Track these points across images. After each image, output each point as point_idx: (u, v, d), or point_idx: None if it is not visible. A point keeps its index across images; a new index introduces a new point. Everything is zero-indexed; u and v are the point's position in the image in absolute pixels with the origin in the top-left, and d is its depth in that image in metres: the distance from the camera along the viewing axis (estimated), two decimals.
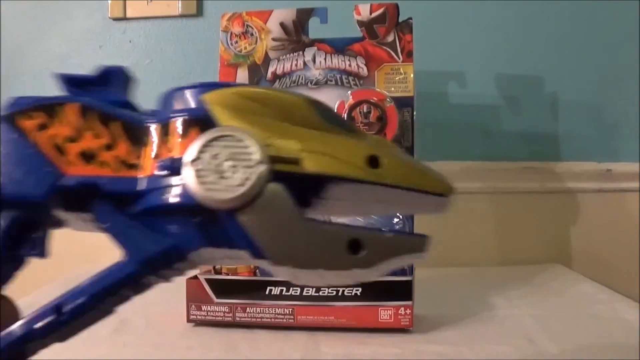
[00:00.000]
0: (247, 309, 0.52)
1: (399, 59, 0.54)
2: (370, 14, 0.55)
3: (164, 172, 0.23)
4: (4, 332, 0.23)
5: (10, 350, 0.23)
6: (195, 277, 0.53)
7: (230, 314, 0.52)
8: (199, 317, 0.52)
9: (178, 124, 0.23)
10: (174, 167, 0.22)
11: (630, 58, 0.80)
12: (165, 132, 0.24)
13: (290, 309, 0.51)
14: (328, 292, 0.51)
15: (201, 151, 0.22)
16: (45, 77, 1.01)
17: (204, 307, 0.52)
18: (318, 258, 0.21)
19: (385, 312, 0.50)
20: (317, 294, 0.51)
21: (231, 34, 0.57)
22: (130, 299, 0.24)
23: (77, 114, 0.26)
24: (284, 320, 0.51)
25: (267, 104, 0.23)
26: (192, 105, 0.23)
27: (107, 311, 0.24)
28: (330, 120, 0.23)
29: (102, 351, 0.47)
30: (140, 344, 0.48)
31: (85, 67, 0.28)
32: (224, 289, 0.52)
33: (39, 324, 0.23)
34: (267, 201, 0.21)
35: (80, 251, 0.85)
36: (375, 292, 0.50)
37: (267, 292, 0.51)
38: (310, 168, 0.21)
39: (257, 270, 0.52)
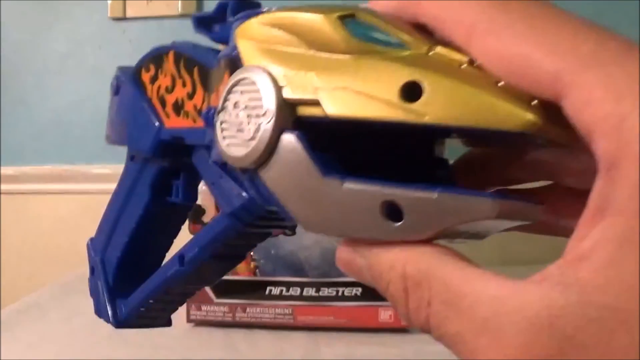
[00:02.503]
0: (247, 309, 0.52)
1: None
2: None
3: (208, 125, 0.21)
4: (146, 283, 0.25)
5: (154, 294, 0.25)
6: None
7: (230, 314, 0.52)
8: (199, 317, 0.52)
9: (221, 66, 0.21)
10: (211, 119, 0.20)
11: None
12: (215, 76, 0.22)
13: (290, 309, 0.51)
14: (328, 292, 0.51)
15: (226, 99, 0.19)
16: (46, 77, 1.01)
17: (203, 307, 0.52)
18: (350, 225, 0.17)
19: (385, 312, 0.50)
20: (317, 294, 0.51)
21: None
22: (251, 246, 0.24)
23: (172, 62, 0.25)
24: (284, 320, 0.51)
25: (290, 29, 0.18)
26: (231, 42, 0.20)
27: (226, 262, 0.24)
28: (366, 36, 0.17)
29: (102, 351, 0.47)
30: (140, 344, 0.48)
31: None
32: (224, 289, 0.52)
33: (169, 272, 0.24)
34: (283, 156, 0.17)
35: (80, 251, 0.85)
36: (376, 292, 0.50)
37: (267, 292, 0.51)
38: (330, 110, 0.16)
39: (257, 270, 0.52)
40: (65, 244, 0.86)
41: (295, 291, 0.51)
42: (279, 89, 0.17)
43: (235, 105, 0.19)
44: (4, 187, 0.88)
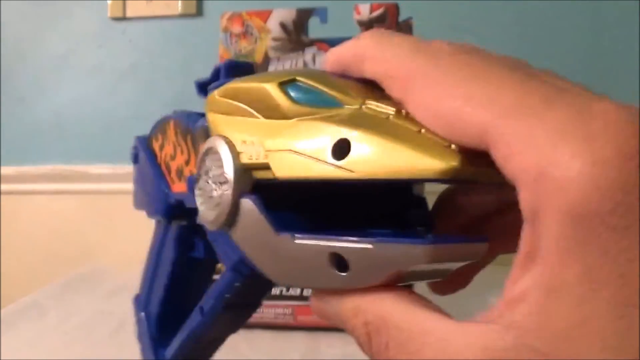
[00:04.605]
0: None
1: None
2: (371, 13, 0.55)
3: (189, 192, 0.22)
4: (178, 333, 0.27)
5: (186, 343, 0.26)
6: None
7: None
8: None
9: (200, 135, 0.23)
10: (191, 186, 0.22)
11: (630, 58, 0.80)
12: (195, 142, 0.24)
13: (290, 309, 0.51)
14: None
15: (199, 167, 0.21)
16: (46, 77, 1.01)
17: None
18: (307, 277, 0.18)
19: None
20: None
21: (231, 33, 0.57)
22: (262, 294, 0.25)
23: (173, 130, 0.27)
24: (284, 320, 0.51)
25: (244, 99, 0.20)
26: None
27: (241, 311, 0.25)
28: (307, 98, 0.18)
29: (102, 351, 0.47)
30: None
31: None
32: None
33: (194, 323, 0.26)
34: (244, 218, 0.19)
35: (80, 251, 0.85)
36: None
37: None
38: (278, 172, 0.18)
39: None
40: (64, 243, 0.86)
41: (295, 291, 0.51)
42: (237, 156, 0.19)
43: (206, 173, 0.21)
44: (4, 187, 0.88)
